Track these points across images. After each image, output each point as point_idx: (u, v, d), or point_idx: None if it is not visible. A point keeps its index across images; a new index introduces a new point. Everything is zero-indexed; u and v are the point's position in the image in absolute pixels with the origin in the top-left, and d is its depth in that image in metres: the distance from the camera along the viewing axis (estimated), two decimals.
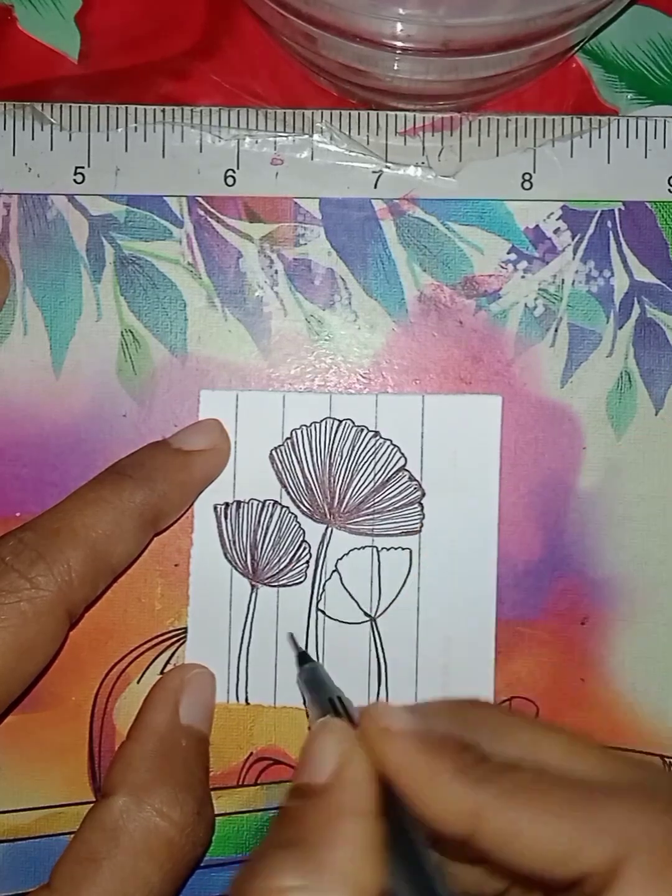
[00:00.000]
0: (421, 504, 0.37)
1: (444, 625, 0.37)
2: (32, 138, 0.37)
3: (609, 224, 0.38)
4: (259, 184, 0.38)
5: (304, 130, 0.38)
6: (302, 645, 0.37)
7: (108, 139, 0.37)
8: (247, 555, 0.37)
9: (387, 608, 0.37)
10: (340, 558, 0.37)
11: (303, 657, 0.34)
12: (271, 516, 0.37)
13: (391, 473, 0.37)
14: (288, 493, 0.37)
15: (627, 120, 0.38)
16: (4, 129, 0.37)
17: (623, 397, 0.38)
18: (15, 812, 0.37)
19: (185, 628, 0.37)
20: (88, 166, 0.38)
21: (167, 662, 0.37)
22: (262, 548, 0.37)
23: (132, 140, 0.38)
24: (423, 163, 0.38)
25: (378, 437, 0.37)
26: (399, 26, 0.31)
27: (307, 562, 0.37)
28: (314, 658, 0.36)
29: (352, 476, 0.37)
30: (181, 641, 0.37)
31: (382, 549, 0.37)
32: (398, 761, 0.26)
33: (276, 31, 0.36)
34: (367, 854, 0.25)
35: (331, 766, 0.26)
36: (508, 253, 0.38)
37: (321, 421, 0.37)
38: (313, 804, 0.26)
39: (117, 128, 0.38)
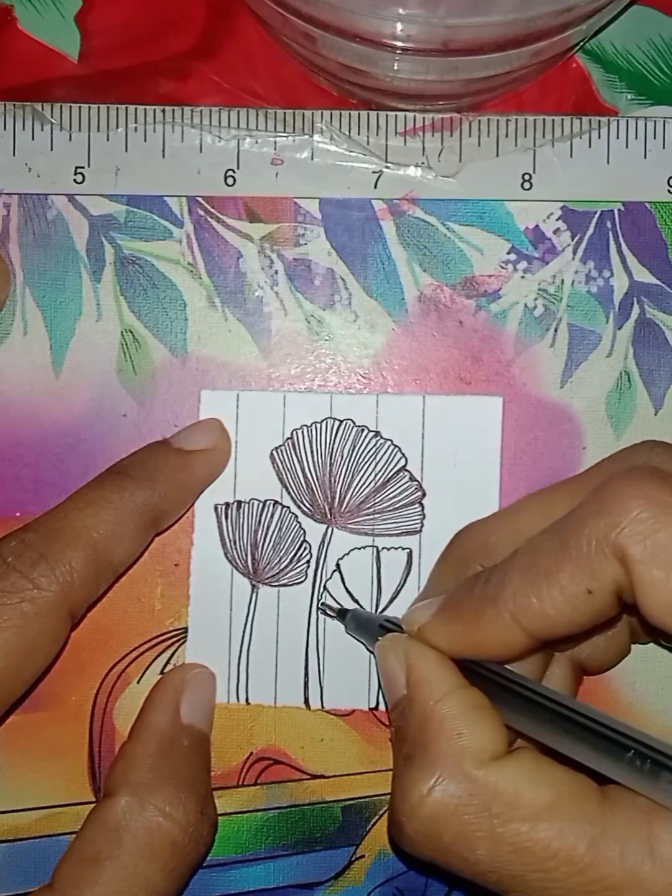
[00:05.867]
0: (421, 504, 0.37)
1: None
2: (32, 138, 0.37)
3: (609, 224, 0.38)
4: (259, 184, 0.38)
5: (304, 130, 0.38)
6: (304, 638, 0.37)
7: (108, 139, 0.37)
8: (247, 555, 0.37)
9: (387, 607, 0.37)
10: (341, 558, 0.37)
11: (341, 613, 0.36)
12: (272, 516, 0.37)
13: (392, 473, 0.37)
14: (288, 493, 0.37)
15: (627, 120, 0.38)
16: (4, 129, 0.37)
17: (623, 397, 0.38)
18: (15, 812, 0.37)
19: (185, 628, 0.37)
20: (88, 166, 0.38)
21: (167, 662, 0.37)
22: (262, 548, 0.37)
23: (132, 140, 0.38)
24: (423, 163, 0.38)
25: (379, 438, 0.37)
26: (399, 26, 0.31)
27: (308, 561, 0.37)
28: (314, 655, 0.37)
29: (352, 476, 0.37)
30: (181, 641, 0.37)
31: (383, 548, 0.37)
32: (443, 640, 0.29)
33: (276, 31, 0.36)
34: (473, 722, 0.28)
35: (401, 677, 0.29)
36: (508, 253, 0.38)
37: (322, 421, 0.37)
38: (408, 713, 0.29)
39: (117, 128, 0.38)
